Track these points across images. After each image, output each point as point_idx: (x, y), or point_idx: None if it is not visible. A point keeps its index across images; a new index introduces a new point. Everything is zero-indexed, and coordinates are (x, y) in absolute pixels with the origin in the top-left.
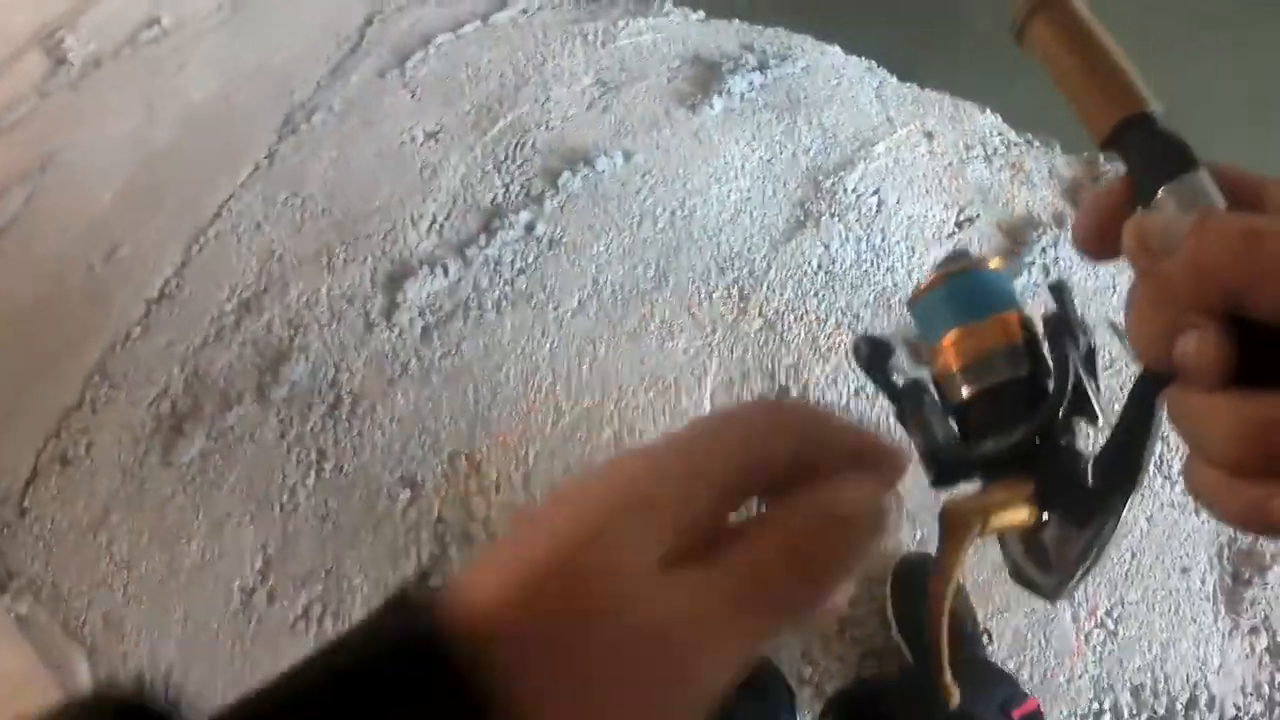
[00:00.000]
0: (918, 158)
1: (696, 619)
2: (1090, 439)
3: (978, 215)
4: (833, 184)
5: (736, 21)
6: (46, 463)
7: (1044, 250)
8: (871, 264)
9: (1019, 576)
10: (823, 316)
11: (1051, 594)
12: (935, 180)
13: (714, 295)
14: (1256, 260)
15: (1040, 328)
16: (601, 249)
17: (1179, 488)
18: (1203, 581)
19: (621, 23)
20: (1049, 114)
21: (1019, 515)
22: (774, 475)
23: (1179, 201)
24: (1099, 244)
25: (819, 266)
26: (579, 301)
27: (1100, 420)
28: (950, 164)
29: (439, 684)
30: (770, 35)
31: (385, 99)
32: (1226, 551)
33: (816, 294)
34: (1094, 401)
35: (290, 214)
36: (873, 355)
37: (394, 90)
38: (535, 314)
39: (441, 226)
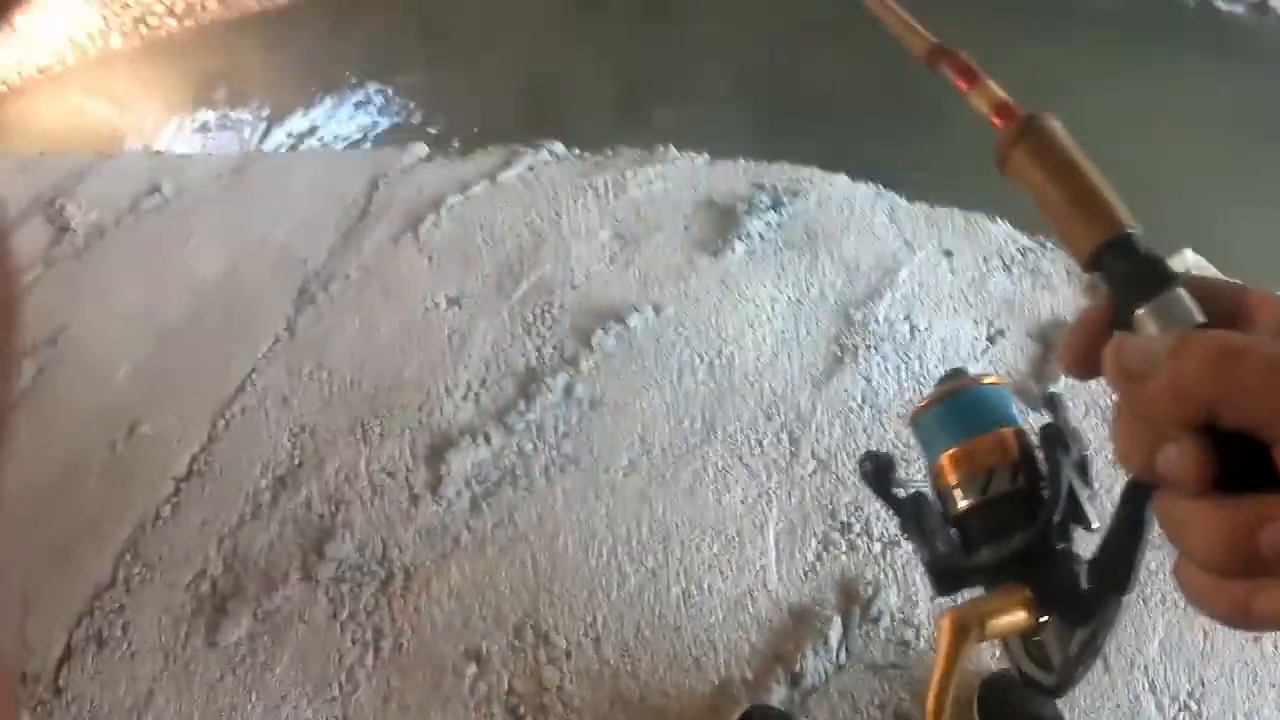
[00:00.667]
0: (940, 278)
1: None
2: (1085, 544)
3: (1007, 327)
4: (864, 316)
5: (742, 161)
6: (81, 642)
7: None
8: (914, 390)
9: (1021, 675)
10: (874, 450)
11: (1054, 691)
12: (961, 298)
13: (764, 442)
14: (1231, 378)
15: (1035, 439)
16: (644, 406)
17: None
18: (1276, 646)
19: (629, 173)
20: None
21: (1017, 619)
22: None
23: (1157, 321)
24: (1084, 365)
25: (863, 400)
26: (629, 461)
27: (1095, 526)
28: (973, 279)
29: None
30: (777, 171)
31: (402, 265)
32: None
33: (865, 428)
34: (1087, 509)
35: (317, 387)
36: (877, 471)
37: (410, 256)
38: (586, 477)
39: (478, 394)
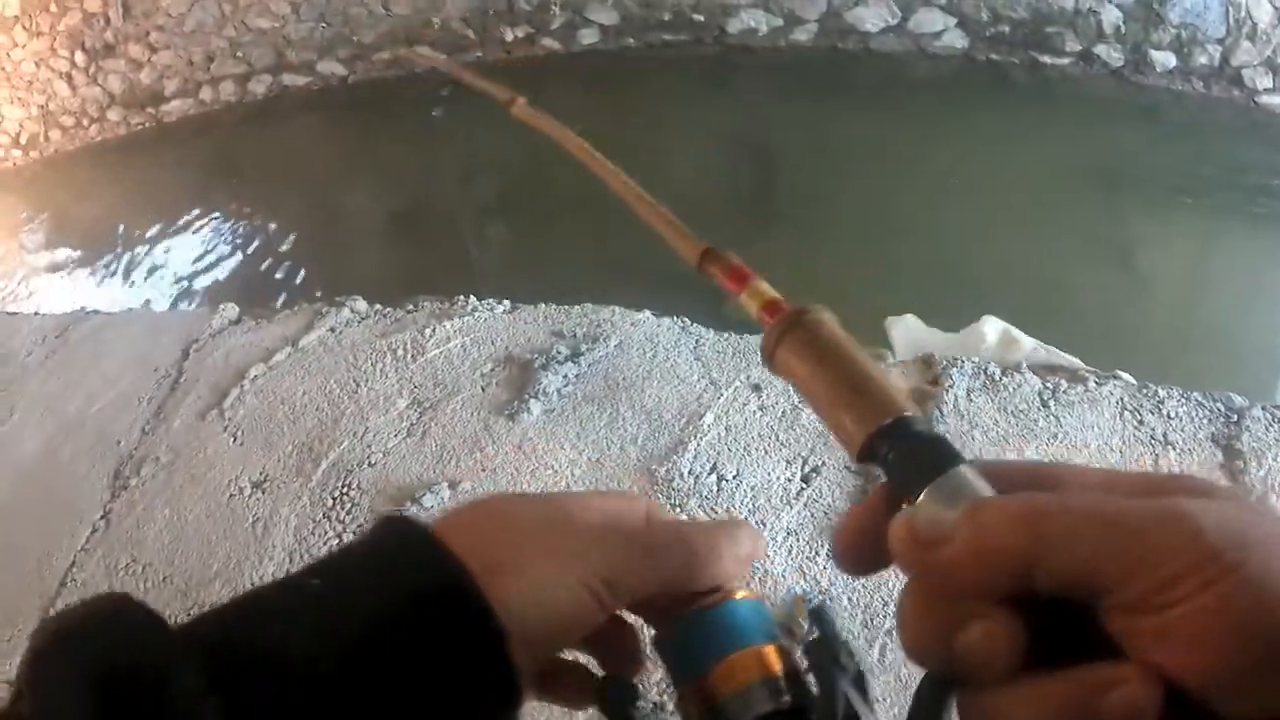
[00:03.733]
0: (749, 417)
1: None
2: None
3: (823, 463)
4: (667, 470)
5: (543, 306)
6: None
7: None
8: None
9: None
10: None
11: None
12: (771, 437)
13: None
14: (1041, 529)
15: (803, 658)
16: None
17: None
18: None
19: (428, 330)
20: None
21: None
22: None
23: (944, 499)
24: (860, 556)
25: None
26: None
27: None
28: (783, 413)
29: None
30: (578, 315)
31: (209, 445)
32: None
33: None
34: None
35: (134, 582)
36: (617, 698)
37: (216, 434)
38: None
39: None
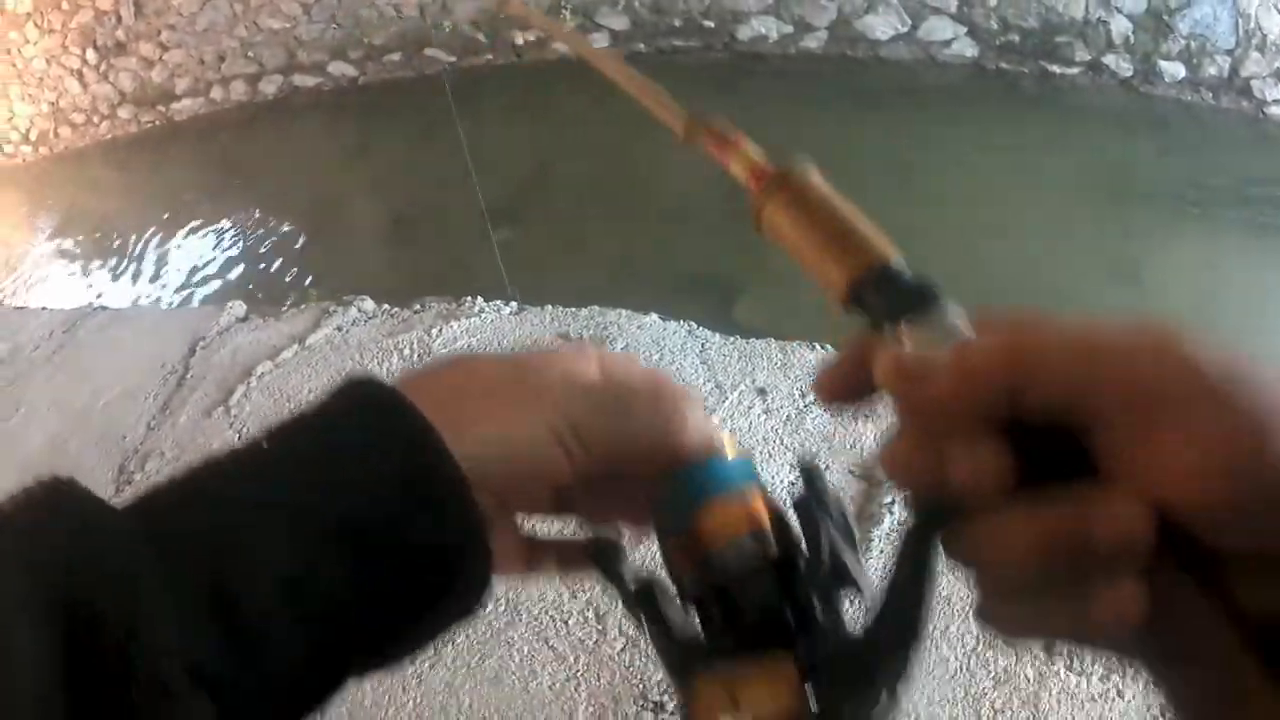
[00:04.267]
0: (754, 421)
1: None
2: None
3: (828, 466)
4: None
5: (549, 308)
6: None
7: None
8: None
9: None
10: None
11: None
12: (776, 440)
13: (570, 621)
14: (1031, 353)
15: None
16: None
17: (1095, 679)
18: None
19: (435, 330)
20: None
21: (779, 699)
22: None
23: (930, 336)
24: (845, 391)
25: None
26: (434, 650)
27: (867, 593)
28: (788, 417)
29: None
30: (585, 317)
31: (214, 442)
32: None
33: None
34: (857, 574)
35: None
36: (602, 557)
37: (221, 431)
38: (392, 671)
39: None
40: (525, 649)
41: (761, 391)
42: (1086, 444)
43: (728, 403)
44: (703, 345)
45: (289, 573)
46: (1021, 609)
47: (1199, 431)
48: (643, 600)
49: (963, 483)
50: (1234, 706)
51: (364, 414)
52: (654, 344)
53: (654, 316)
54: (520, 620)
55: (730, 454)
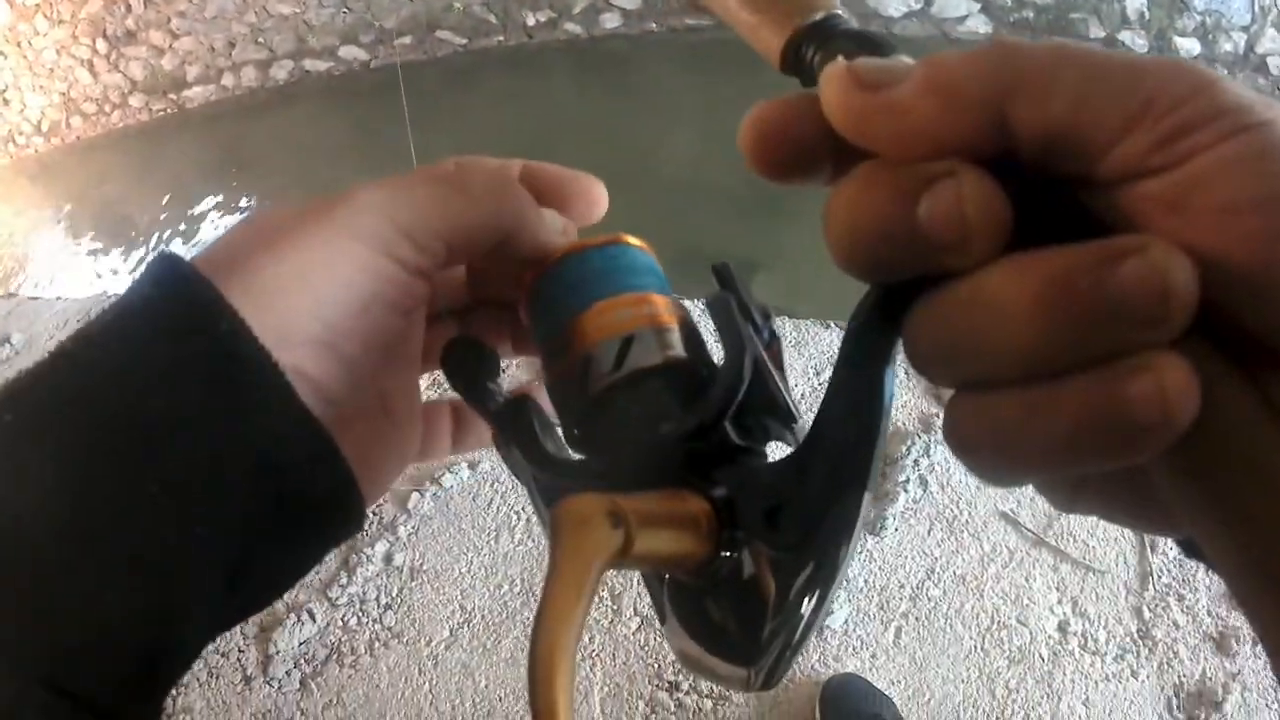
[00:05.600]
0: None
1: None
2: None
3: None
4: None
5: None
6: None
7: (916, 462)
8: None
9: (687, 659)
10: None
11: (747, 681)
12: None
13: None
14: (1015, 67)
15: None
16: (464, 571)
17: (1110, 658)
18: None
19: None
20: None
21: (685, 539)
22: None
23: None
24: (775, 148)
25: None
26: (450, 631)
27: (798, 421)
28: (802, 395)
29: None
30: None
31: None
32: (1176, 702)
33: None
34: (785, 396)
35: None
36: (465, 363)
37: None
38: (409, 651)
39: None
40: None
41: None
42: (1091, 197)
43: None
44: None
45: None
46: (1022, 406)
47: (1230, 150)
48: (510, 415)
49: (946, 225)
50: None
51: (158, 297)
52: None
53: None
54: (535, 600)
55: (636, 244)
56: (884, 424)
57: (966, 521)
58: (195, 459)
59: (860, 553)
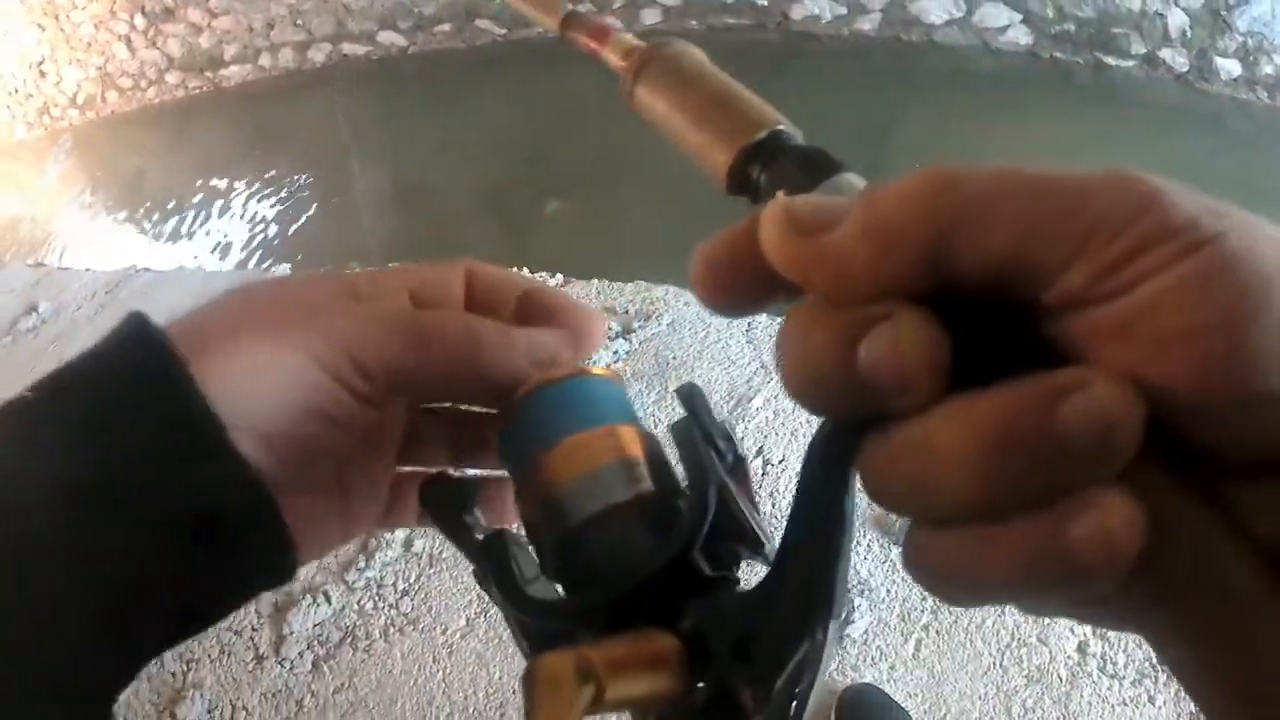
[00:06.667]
0: (796, 405)
1: (339, 299)
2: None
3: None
4: None
5: (596, 282)
6: None
7: None
8: (774, 534)
9: None
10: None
11: None
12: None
13: None
14: (954, 202)
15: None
16: None
17: (1128, 683)
18: None
19: None
20: None
21: (658, 679)
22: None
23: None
24: (728, 279)
25: None
26: (467, 621)
27: (766, 546)
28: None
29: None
30: (631, 292)
31: None
32: None
33: None
34: (751, 522)
35: None
36: (444, 499)
37: None
38: (424, 638)
39: None
40: None
41: None
42: (1033, 326)
43: (773, 383)
44: (749, 324)
45: (53, 543)
46: (967, 543)
47: (1183, 273)
48: (489, 554)
49: (881, 370)
50: (1245, 652)
51: (126, 359)
52: (700, 320)
53: None
54: None
55: (597, 373)
56: (846, 549)
57: None
58: (150, 509)
59: (884, 562)
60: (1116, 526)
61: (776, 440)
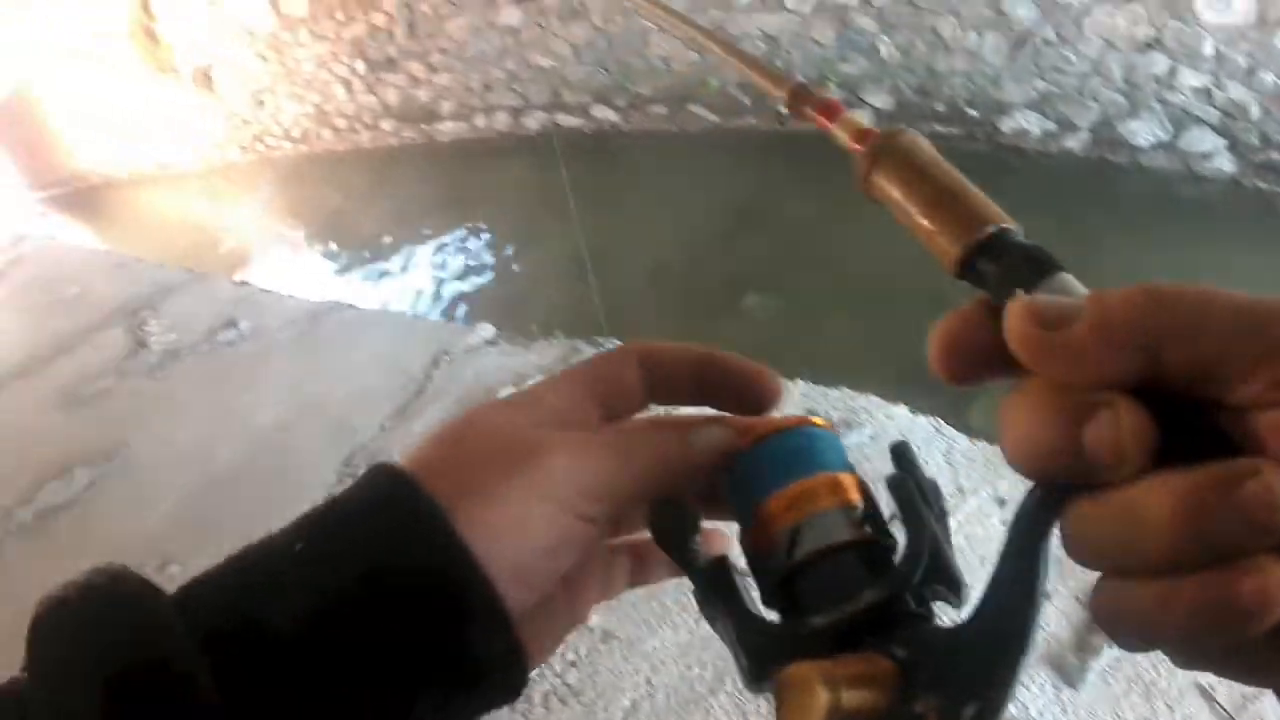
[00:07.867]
0: (990, 530)
1: (553, 434)
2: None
3: (1055, 590)
4: None
5: (800, 382)
6: None
7: None
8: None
9: None
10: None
11: None
12: None
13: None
14: (1167, 313)
15: (886, 497)
16: (657, 645)
17: None
18: None
19: None
20: None
21: (878, 696)
22: (629, 398)
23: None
24: (957, 361)
25: None
26: (631, 702)
27: (965, 590)
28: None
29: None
30: (835, 398)
31: None
32: None
33: None
34: (955, 569)
35: None
36: (671, 525)
37: None
38: (586, 713)
39: None
40: (724, 719)
41: (1001, 501)
42: (1217, 422)
43: (967, 508)
44: (949, 446)
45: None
46: (1153, 594)
47: None
48: (714, 580)
49: (1106, 449)
50: None
51: (390, 520)
52: (900, 436)
53: (903, 409)
54: (724, 688)
55: (821, 425)
56: (1040, 598)
57: (1164, 690)
58: (421, 669)
59: (1054, 702)
60: (1275, 586)
61: (966, 567)
